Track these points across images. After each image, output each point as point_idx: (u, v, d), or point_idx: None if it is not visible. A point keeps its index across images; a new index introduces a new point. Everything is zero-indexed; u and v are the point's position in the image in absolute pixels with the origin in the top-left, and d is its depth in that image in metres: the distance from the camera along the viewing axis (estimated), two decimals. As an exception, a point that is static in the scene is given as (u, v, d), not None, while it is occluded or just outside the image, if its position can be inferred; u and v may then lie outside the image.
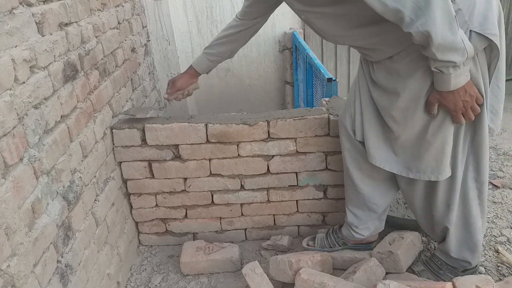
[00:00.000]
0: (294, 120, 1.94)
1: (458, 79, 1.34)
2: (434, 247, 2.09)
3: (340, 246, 1.99)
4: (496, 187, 2.56)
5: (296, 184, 2.09)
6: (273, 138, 1.97)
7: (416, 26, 1.22)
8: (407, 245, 1.89)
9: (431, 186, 1.66)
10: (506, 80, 1.56)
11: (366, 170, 1.77)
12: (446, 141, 1.51)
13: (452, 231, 1.69)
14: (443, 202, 1.65)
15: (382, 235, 2.19)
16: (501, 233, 2.15)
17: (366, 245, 1.99)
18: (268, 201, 2.14)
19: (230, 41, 1.95)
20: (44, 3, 1.39)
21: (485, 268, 1.91)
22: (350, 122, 1.75)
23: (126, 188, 2.09)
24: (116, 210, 1.93)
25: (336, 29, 1.54)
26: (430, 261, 1.85)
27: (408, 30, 1.25)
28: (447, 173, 1.56)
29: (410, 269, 1.88)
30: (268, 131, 1.96)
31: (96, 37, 1.84)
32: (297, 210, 2.17)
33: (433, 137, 1.51)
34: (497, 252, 1.68)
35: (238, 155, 2.00)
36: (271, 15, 1.93)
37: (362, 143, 1.72)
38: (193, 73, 2.04)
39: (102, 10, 1.95)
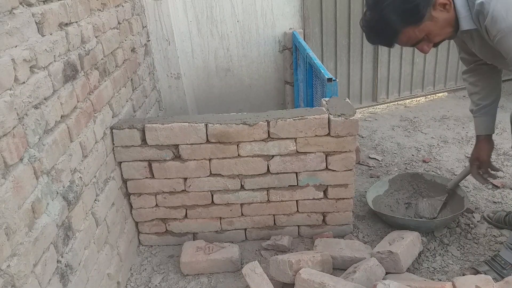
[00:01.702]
0: (294, 120, 1.93)
1: None
2: (434, 247, 2.09)
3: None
4: (496, 187, 2.55)
5: (296, 184, 2.09)
6: (273, 138, 1.97)
7: None
8: (407, 245, 1.89)
9: None
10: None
11: None
12: None
13: None
14: None
15: (382, 235, 2.19)
16: (501, 233, 2.15)
17: None
18: (268, 201, 2.14)
19: (482, 86, 1.91)
20: (44, 3, 1.39)
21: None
22: None
23: (126, 188, 2.08)
24: (116, 210, 1.93)
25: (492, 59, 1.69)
26: (493, 261, 1.86)
27: None
28: None
29: (473, 269, 1.89)
30: (268, 131, 1.96)
31: (96, 37, 1.84)
32: (297, 210, 2.17)
33: None
34: None
35: (238, 155, 2.00)
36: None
37: None
38: (483, 138, 1.98)
39: (102, 10, 1.95)
